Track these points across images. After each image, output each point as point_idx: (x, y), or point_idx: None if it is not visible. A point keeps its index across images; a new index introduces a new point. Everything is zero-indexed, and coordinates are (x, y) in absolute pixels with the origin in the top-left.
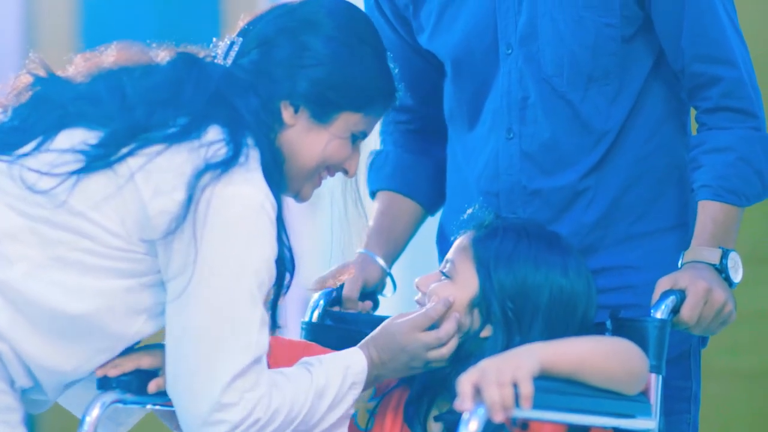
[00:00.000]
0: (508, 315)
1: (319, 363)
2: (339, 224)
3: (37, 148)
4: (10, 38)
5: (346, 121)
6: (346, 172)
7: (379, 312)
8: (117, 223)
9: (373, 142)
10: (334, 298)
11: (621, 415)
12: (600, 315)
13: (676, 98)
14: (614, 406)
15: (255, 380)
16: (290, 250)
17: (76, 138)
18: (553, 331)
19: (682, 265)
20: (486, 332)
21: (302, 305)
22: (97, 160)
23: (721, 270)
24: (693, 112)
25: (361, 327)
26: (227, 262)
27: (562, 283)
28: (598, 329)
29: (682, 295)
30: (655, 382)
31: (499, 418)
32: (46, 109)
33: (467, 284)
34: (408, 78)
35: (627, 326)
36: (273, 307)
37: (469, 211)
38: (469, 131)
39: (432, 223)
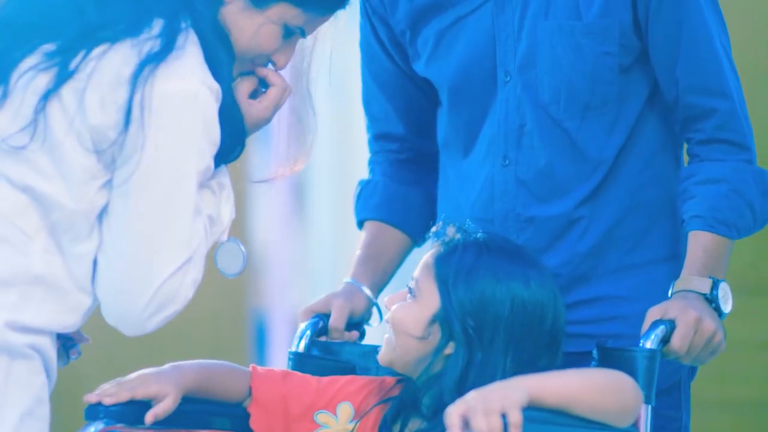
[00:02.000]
0: (469, 332)
1: None
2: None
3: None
4: None
5: (283, 11)
6: (275, 65)
7: (365, 342)
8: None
9: (360, 171)
10: (321, 327)
11: None
12: (590, 345)
13: (671, 130)
14: None
15: (190, 269)
16: (240, 121)
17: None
18: (518, 345)
19: (672, 294)
20: (449, 350)
21: (290, 329)
22: (60, 72)
23: (711, 300)
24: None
25: (347, 357)
26: (166, 160)
27: (524, 295)
28: (585, 358)
29: (672, 325)
30: (645, 413)
31: None
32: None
33: (429, 302)
34: (400, 107)
35: (615, 356)
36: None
37: (434, 229)
38: (464, 158)
39: (421, 250)
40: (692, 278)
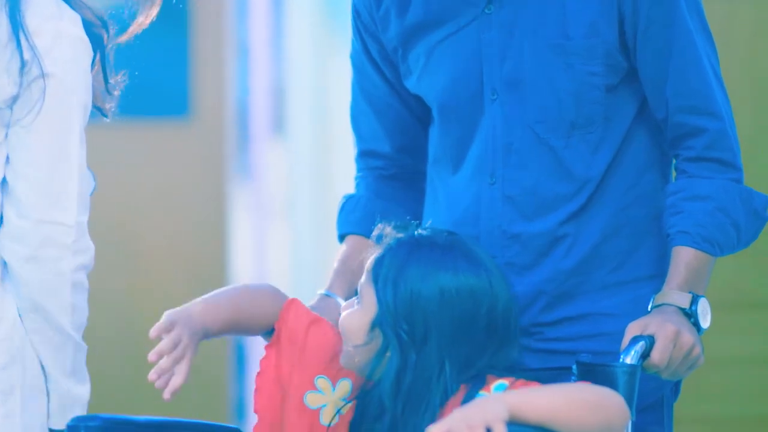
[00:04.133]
0: (401, 335)
1: None
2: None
3: None
4: None
5: None
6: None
7: None
8: None
9: (342, 185)
10: None
11: None
12: (573, 361)
13: (659, 148)
14: None
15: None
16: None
17: None
18: (453, 342)
19: (651, 308)
20: (390, 353)
21: None
22: None
23: (690, 315)
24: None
25: None
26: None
27: (453, 285)
28: (568, 374)
29: (651, 340)
30: (625, 429)
31: None
32: None
33: (369, 307)
34: (388, 124)
35: (595, 371)
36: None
37: (376, 231)
38: (453, 174)
39: None
40: (672, 292)
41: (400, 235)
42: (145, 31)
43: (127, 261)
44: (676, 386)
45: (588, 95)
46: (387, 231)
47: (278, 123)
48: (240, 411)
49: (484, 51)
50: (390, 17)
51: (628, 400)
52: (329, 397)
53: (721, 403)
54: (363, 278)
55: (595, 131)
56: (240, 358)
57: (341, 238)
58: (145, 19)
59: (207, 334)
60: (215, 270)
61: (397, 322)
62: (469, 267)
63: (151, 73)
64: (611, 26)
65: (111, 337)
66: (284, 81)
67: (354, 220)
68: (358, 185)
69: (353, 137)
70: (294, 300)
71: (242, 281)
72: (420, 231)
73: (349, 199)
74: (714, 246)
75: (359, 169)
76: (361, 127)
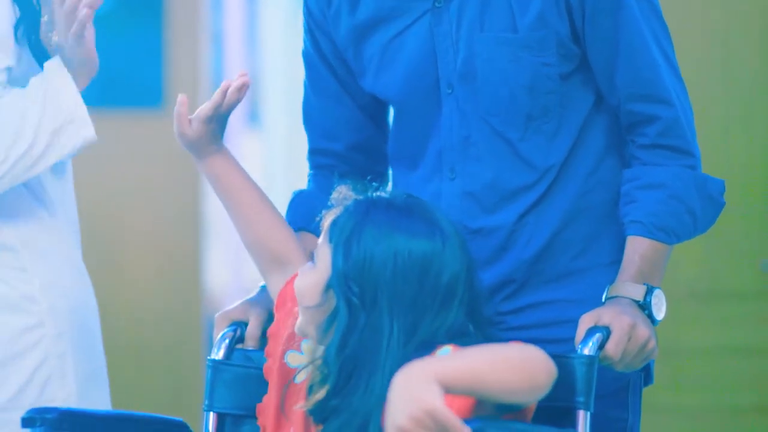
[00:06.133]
0: (350, 297)
1: None
2: None
3: None
4: None
5: None
6: None
7: None
8: None
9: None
10: (239, 335)
11: None
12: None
13: (617, 133)
14: None
15: None
16: None
17: None
18: (402, 304)
19: (605, 300)
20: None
21: None
22: None
23: (644, 307)
24: None
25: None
26: None
27: (406, 247)
28: None
29: (607, 331)
30: (584, 419)
31: None
32: None
33: (324, 268)
34: (339, 122)
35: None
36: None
37: (335, 194)
38: (413, 171)
39: None
40: (626, 284)
41: (359, 196)
42: (119, 22)
43: (100, 251)
44: (647, 372)
45: (542, 86)
46: (345, 192)
47: (253, 113)
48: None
49: (438, 45)
50: (341, 15)
51: (587, 392)
52: (308, 358)
53: (696, 393)
54: (320, 239)
55: (551, 121)
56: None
57: None
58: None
59: None
60: (190, 261)
61: (348, 284)
62: (424, 230)
63: (125, 64)
64: (561, 16)
65: None
66: (259, 71)
67: (300, 215)
68: (309, 182)
69: (306, 134)
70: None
71: (217, 271)
72: (379, 193)
73: (297, 195)
74: (669, 234)
75: (311, 167)
76: (313, 125)
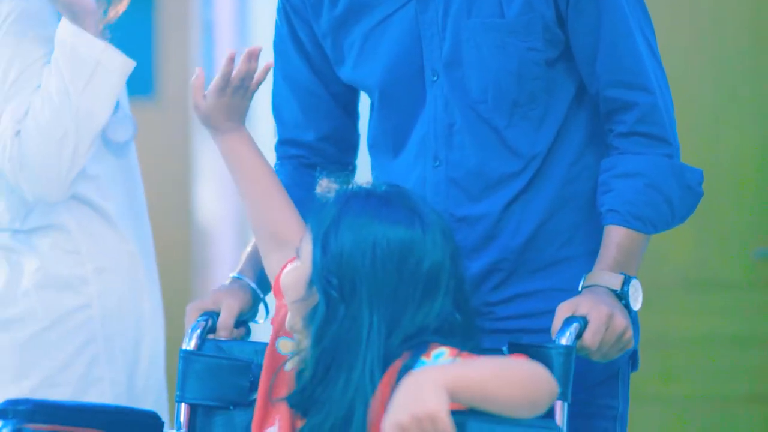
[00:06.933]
0: (328, 289)
1: None
2: None
3: None
4: None
5: None
6: None
7: (252, 339)
8: None
9: None
10: (211, 326)
11: None
12: (528, 339)
13: (600, 124)
14: None
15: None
16: None
17: None
18: (383, 291)
19: (582, 289)
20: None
21: None
22: None
23: (621, 296)
24: None
25: (240, 355)
26: None
27: (385, 236)
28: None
29: (584, 321)
30: (561, 410)
31: None
32: None
33: (307, 261)
34: (311, 112)
35: (530, 353)
36: None
37: (318, 189)
38: (394, 158)
39: None
40: (603, 273)
41: (340, 188)
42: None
43: None
44: (633, 358)
45: (529, 72)
46: (326, 184)
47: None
48: None
49: (423, 32)
50: (323, 2)
51: (564, 382)
52: (298, 347)
53: (685, 382)
54: (304, 233)
55: (537, 107)
56: None
57: None
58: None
59: None
60: (182, 249)
61: (327, 276)
62: (403, 218)
63: None
64: (546, 0)
65: None
66: None
67: None
68: (276, 173)
69: (274, 125)
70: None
71: (209, 258)
72: (360, 183)
73: None
74: (646, 224)
75: (279, 157)
76: (283, 115)
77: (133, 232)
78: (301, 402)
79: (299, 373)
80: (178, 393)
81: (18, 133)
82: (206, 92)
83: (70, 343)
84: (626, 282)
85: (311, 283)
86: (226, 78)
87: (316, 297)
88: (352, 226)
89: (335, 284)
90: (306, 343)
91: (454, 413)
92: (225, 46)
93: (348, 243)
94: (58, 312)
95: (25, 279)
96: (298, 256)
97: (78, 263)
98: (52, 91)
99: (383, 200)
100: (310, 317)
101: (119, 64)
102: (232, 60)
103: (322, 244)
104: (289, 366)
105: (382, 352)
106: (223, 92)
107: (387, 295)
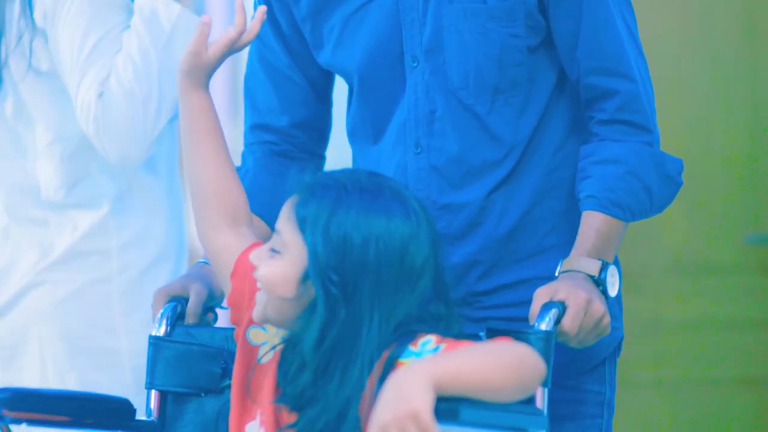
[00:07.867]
0: (329, 287)
1: None
2: None
3: None
4: None
5: None
6: None
7: (218, 324)
8: None
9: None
10: (180, 312)
11: (514, 428)
12: (514, 328)
13: (581, 112)
14: (507, 419)
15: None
16: None
17: None
18: (383, 292)
19: (559, 274)
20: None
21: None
22: None
23: (599, 282)
24: None
25: (210, 341)
26: None
27: (386, 230)
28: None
29: (563, 306)
30: (542, 395)
31: None
32: None
33: (297, 257)
34: (286, 98)
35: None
36: None
37: (292, 180)
38: (373, 145)
39: None
40: (581, 259)
41: (319, 178)
42: None
43: None
44: (618, 344)
45: (511, 58)
46: (300, 177)
47: (234, 91)
48: None
49: (403, 18)
50: None
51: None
52: (270, 335)
53: (676, 367)
54: (284, 225)
55: (519, 94)
56: None
57: None
58: None
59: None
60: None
61: (328, 273)
62: (399, 211)
63: None
64: None
65: None
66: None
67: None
68: (245, 159)
69: (246, 110)
70: (257, 243)
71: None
72: (341, 174)
73: (241, 175)
74: (624, 211)
75: (248, 143)
76: (256, 99)
77: (170, 212)
78: (297, 400)
79: (295, 371)
80: (147, 380)
81: (101, 95)
82: (211, 42)
83: (89, 315)
84: (604, 268)
85: (305, 278)
86: (241, 31)
87: (311, 294)
88: (351, 220)
89: (336, 281)
90: (283, 331)
91: (446, 399)
92: (217, 26)
93: (350, 237)
94: (80, 283)
95: (54, 253)
96: (275, 249)
97: (104, 235)
98: (134, 53)
99: (375, 192)
100: (304, 317)
101: (194, 25)
102: (243, 14)
103: (322, 239)
104: (267, 358)
105: (378, 344)
106: (228, 50)
107: (388, 290)
